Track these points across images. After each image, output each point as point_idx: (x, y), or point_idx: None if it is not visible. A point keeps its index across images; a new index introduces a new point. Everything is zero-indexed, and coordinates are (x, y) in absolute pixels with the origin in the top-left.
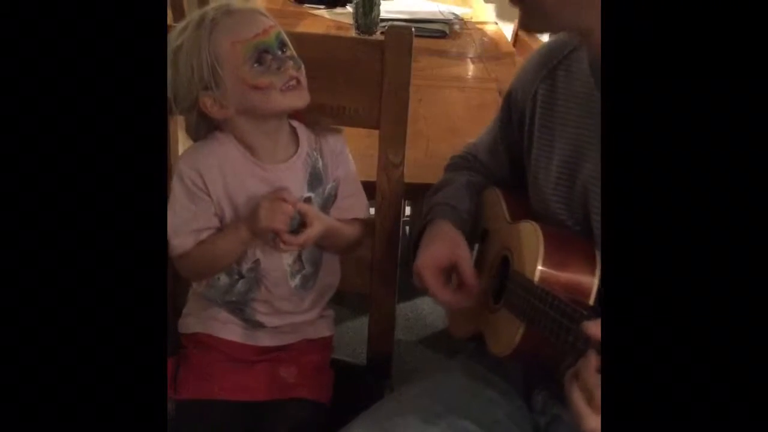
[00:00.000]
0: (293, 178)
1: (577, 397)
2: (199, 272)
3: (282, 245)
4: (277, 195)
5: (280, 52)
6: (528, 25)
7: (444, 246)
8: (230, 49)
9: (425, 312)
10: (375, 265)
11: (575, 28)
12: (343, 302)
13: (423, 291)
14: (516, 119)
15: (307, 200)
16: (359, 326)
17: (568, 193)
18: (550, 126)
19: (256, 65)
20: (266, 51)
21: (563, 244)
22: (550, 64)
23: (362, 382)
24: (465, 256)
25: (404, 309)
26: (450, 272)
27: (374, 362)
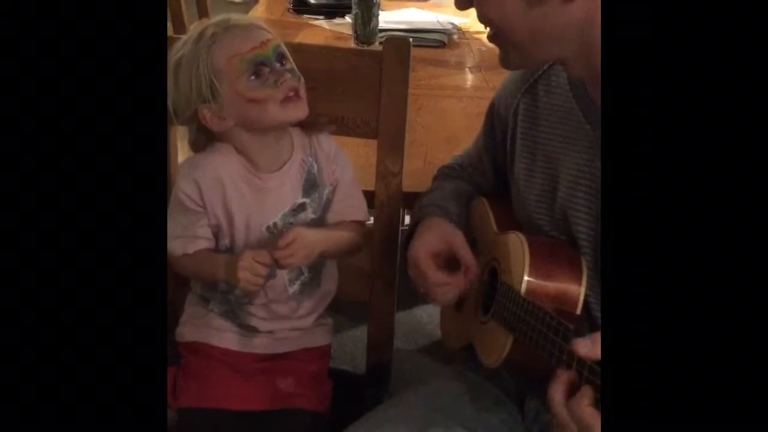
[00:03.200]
0: (288, 185)
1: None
2: (183, 276)
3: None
4: (256, 257)
5: (278, 65)
6: (507, 62)
7: (436, 234)
8: (227, 62)
9: (424, 321)
10: (374, 273)
11: (551, 59)
12: (342, 311)
13: (417, 283)
14: (499, 134)
15: (302, 206)
16: (358, 335)
17: (550, 205)
18: (531, 140)
19: (253, 78)
20: (263, 64)
21: (549, 254)
22: (531, 78)
23: (361, 391)
24: (459, 239)
25: (403, 318)
26: (446, 260)
27: (373, 371)
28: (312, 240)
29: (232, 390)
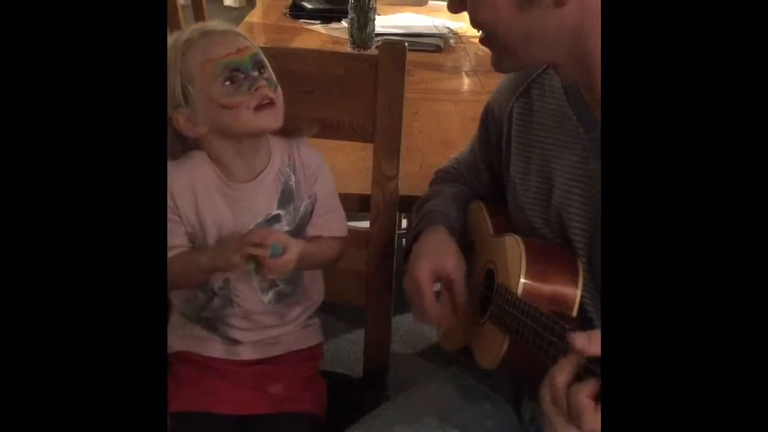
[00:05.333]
0: (261, 195)
1: (550, 408)
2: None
3: (265, 272)
4: (247, 237)
5: (256, 73)
6: (499, 65)
7: (442, 257)
8: (200, 67)
9: (421, 324)
10: (370, 277)
11: (543, 63)
12: (339, 315)
13: (410, 299)
14: (494, 137)
15: (276, 218)
16: (355, 339)
17: (545, 208)
18: (526, 143)
19: (227, 84)
20: (237, 70)
21: (546, 256)
22: (525, 82)
23: (358, 395)
24: (460, 274)
25: (400, 321)
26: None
27: (370, 375)
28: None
29: (224, 395)
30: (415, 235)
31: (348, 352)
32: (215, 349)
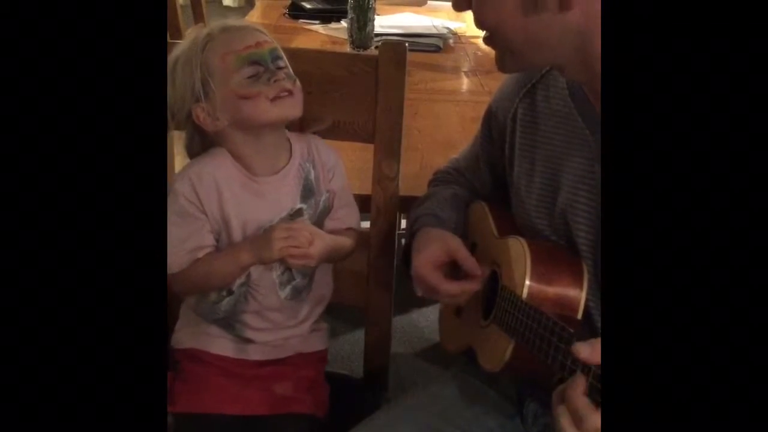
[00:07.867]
0: (285, 189)
1: (565, 420)
2: (192, 290)
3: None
4: (292, 226)
5: (274, 67)
6: (503, 66)
7: (437, 245)
8: (221, 60)
9: (421, 325)
10: (370, 278)
11: (547, 65)
12: (339, 316)
13: (426, 295)
14: (497, 138)
15: (299, 211)
16: (356, 339)
17: (550, 210)
18: (530, 145)
19: (246, 76)
20: (257, 63)
21: (550, 258)
22: (529, 83)
23: (359, 396)
24: (460, 248)
25: (400, 322)
26: (448, 269)
27: (371, 375)
28: (325, 240)
29: (229, 395)
30: (408, 239)
31: (348, 352)
32: (226, 347)
